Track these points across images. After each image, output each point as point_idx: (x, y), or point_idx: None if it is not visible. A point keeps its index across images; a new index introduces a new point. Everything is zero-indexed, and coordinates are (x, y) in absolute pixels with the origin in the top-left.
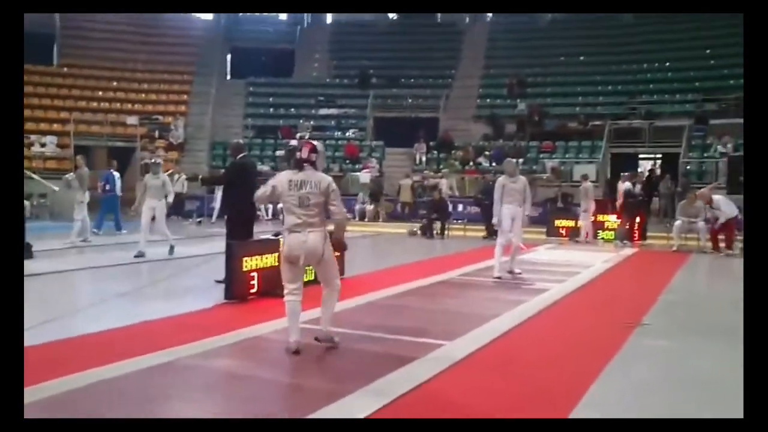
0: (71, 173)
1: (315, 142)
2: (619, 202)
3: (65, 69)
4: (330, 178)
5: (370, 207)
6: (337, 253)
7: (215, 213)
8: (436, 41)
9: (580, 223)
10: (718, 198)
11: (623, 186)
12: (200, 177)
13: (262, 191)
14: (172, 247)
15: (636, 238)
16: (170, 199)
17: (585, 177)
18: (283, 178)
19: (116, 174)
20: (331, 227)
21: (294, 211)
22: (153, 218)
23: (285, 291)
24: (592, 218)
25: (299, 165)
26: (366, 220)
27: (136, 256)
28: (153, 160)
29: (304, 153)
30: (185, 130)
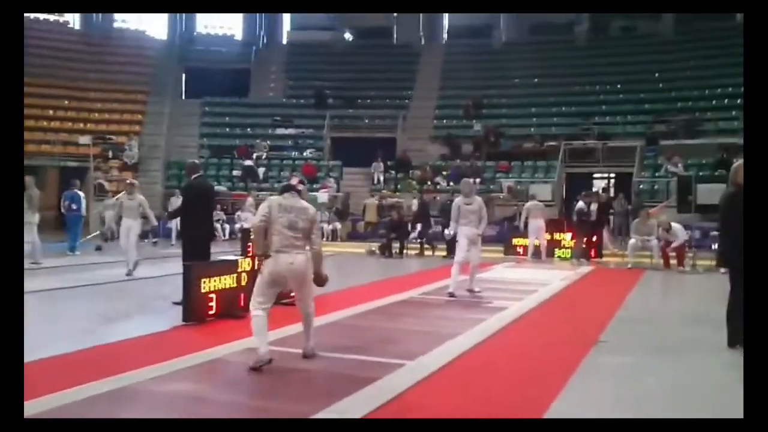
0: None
1: (303, 177)
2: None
3: None
4: (314, 208)
5: (329, 227)
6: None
7: (173, 234)
8: (393, 62)
9: (534, 241)
10: (675, 226)
11: (577, 206)
12: (166, 213)
13: (260, 222)
14: (131, 270)
15: (592, 256)
16: (153, 221)
17: (532, 197)
18: (274, 202)
19: (81, 194)
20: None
21: (283, 233)
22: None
23: (254, 306)
24: (548, 237)
25: (287, 190)
26: (325, 239)
27: (127, 275)
28: (129, 181)
29: (294, 181)
30: (140, 150)
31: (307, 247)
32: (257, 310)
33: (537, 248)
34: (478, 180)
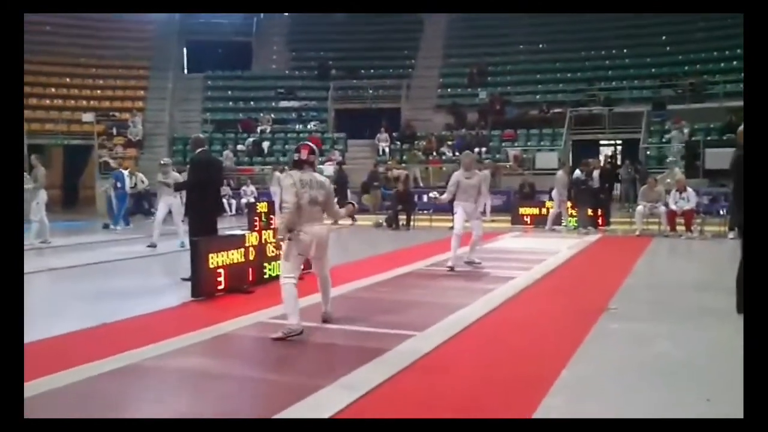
0: (26, 174)
1: (311, 144)
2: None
3: None
4: (327, 179)
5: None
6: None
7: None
8: (395, 31)
9: (555, 209)
10: (690, 189)
11: (574, 174)
12: (174, 185)
13: (294, 198)
14: (183, 243)
15: (600, 225)
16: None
17: (561, 165)
18: (296, 178)
19: (125, 172)
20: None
21: (305, 208)
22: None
23: (285, 277)
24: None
25: (300, 166)
26: None
27: (148, 246)
28: (163, 162)
29: (304, 155)
30: (143, 126)
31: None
32: (288, 281)
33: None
34: (483, 149)
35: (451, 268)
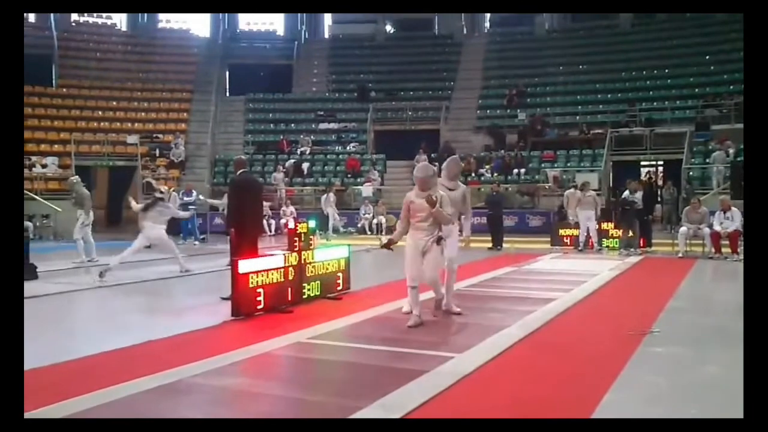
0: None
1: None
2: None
3: (64, 89)
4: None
5: (374, 220)
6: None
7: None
8: (435, 53)
9: (582, 232)
10: (734, 209)
11: (623, 194)
12: (220, 209)
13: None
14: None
15: (641, 246)
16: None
17: (584, 185)
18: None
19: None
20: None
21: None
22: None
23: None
24: (596, 226)
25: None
26: (369, 233)
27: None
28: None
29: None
30: (186, 147)
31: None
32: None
33: (587, 238)
34: (523, 170)
35: (414, 324)
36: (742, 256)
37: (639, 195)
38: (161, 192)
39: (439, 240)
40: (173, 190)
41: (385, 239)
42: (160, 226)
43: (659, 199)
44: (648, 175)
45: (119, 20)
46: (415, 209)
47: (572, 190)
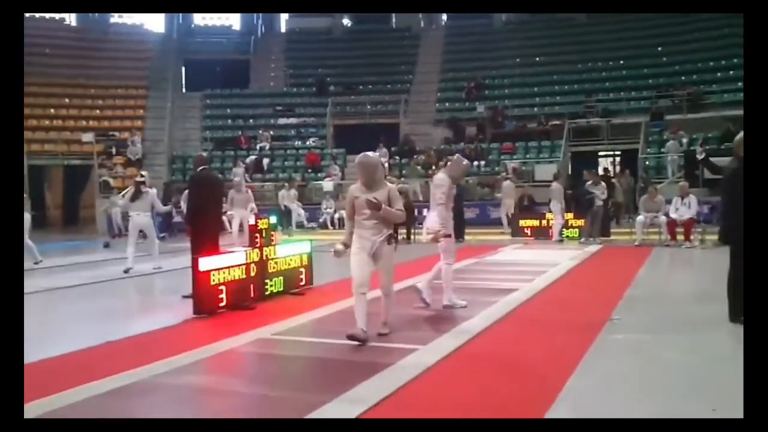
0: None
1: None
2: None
3: None
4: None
5: (336, 215)
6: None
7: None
8: (393, 46)
9: (552, 222)
10: (692, 196)
11: (586, 185)
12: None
13: None
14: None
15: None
16: (255, 210)
17: (556, 177)
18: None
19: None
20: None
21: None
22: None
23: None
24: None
25: None
26: (331, 227)
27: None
28: (235, 179)
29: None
30: (143, 145)
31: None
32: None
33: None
34: (482, 162)
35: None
36: (696, 243)
37: (600, 188)
38: (142, 175)
39: (389, 239)
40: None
41: (340, 246)
42: (146, 213)
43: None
44: (605, 169)
45: (69, 16)
46: (359, 205)
47: (507, 181)
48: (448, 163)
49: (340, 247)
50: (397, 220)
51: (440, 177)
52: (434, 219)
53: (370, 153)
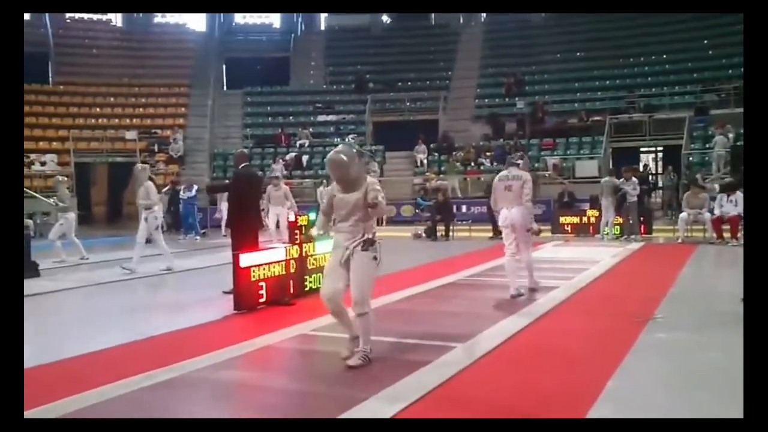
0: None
1: None
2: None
3: (61, 87)
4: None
5: None
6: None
7: (223, 224)
8: (432, 43)
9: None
10: (739, 193)
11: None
12: (206, 185)
13: None
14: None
15: (642, 232)
16: (294, 207)
17: (610, 173)
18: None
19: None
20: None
21: None
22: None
23: None
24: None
25: None
26: None
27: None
28: (273, 174)
29: None
30: (184, 142)
31: None
32: None
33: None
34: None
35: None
36: (742, 241)
37: (635, 181)
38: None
39: (365, 244)
40: (178, 187)
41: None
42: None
43: (652, 185)
44: (645, 164)
45: (114, 16)
46: (337, 205)
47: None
48: (520, 162)
49: (313, 232)
50: (385, 213)
51: (523, 174)
52: (522, 214)
53: (341, 147)
